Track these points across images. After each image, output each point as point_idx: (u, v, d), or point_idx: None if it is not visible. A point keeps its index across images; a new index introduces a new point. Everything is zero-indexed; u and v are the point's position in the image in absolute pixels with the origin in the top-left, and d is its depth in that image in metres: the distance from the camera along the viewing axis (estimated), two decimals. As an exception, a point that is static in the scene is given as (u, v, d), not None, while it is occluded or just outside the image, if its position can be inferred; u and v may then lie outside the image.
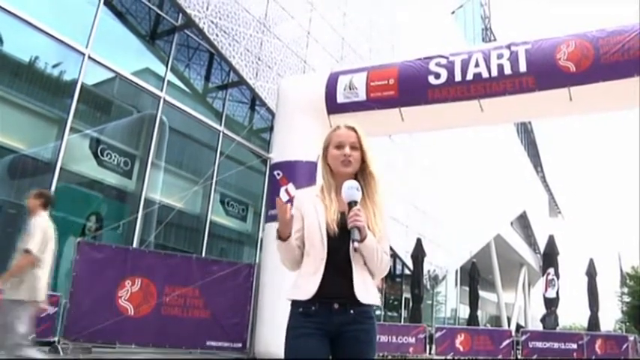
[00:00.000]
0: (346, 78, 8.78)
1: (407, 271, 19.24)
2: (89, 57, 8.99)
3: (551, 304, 15.65)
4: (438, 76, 8.10)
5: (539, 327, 17.25)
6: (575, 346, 13.05)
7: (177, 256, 8.94)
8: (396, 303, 21.33)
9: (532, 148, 45.38)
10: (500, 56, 7.84)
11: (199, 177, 11.00)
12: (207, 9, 10.67)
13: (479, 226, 26.41)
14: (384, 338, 12.67)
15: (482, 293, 24.38)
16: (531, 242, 42.45)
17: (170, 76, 10.86)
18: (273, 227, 8.49)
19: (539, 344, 13.15)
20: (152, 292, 8.22)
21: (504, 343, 13.18)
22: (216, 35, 10.90)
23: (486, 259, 30.35)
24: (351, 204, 2.05)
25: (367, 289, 2.08)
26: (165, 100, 10.53)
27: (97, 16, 9.21)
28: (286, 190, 8.59)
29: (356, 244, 1.98)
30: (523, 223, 40.06)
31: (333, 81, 8.86)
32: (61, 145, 8.47)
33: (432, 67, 8.19)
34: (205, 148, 11.92)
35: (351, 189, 2.08)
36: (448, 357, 13.01)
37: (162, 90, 10.53)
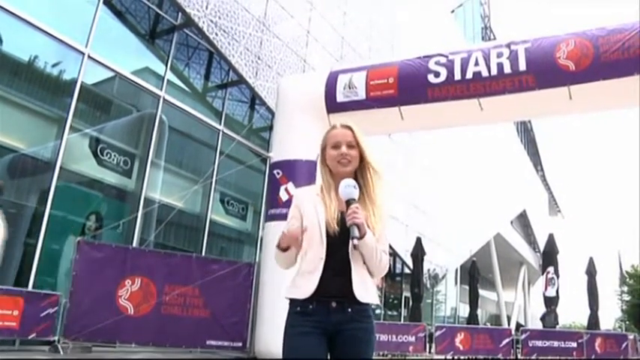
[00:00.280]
0: (346, 77, 8.78)
1: (407, 270, 19.24)
2: (89, 56, 8.98)
3: (550, 302, 15.66)
4: (437, 74, 8.10)
5: (539, 326, 17.26)
6: (574, 344, 13.07)
7: (177, 256, 8.94)
8: (395, 302, 21.33)
9: (532, 147, 45.39)
10: (499, 55, 7.84)
11: (199, 176, 11.00)
12: (206, 8, 10.66)
13: (479, 224, 26.41)
14: (383, 337, 12.67)
15: (482, 292, 24.37)
16: (531, 241, 42.46)
17: (170, 75, 10.85)
18: (273, 226, 8.56)
19: (539, 343, 13.15)
20: (152, 291, 8.22)
21: (504, 342, 13.18)
22: (216, 34, 10.89)
23: (486, 257, 30.35)
24: (349, 202, 2.05)
25: (366, 288, 2.07)
26: (164, 100, 10.52)
27: (96, 16, 9.20)
28: (286, 189, 8.59)
29: (355, 242, 1.97)
30: (523, 221, 40.07)
31: (333, 80, 8.85)
32: (60, 144, 8.46)
33: (432, 65, 8.19)
34: (205, 147, 11.91)
35: (348, 187, 2.07)
36: (448, 356, 13.02)
37: (161, 89, 10.53)
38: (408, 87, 8.28)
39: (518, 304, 40.43)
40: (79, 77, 8.84)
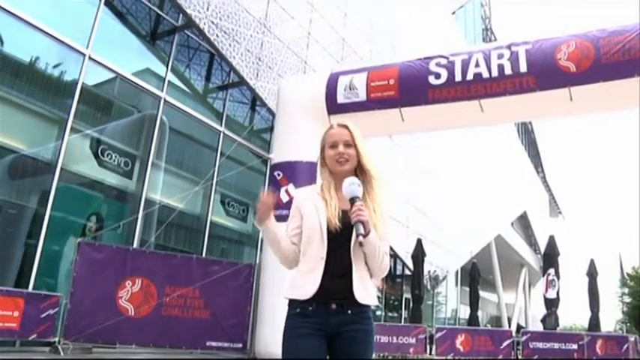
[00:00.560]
0: (346, 78, 8.78)
1: (407, 272, 19.21)
2: (90, 57, 8.99)
3: (551, 304, 15.63)
4: (438, 76, 8.10)
5: (540, 327, 17.23)
6: (575, 346, 13.04)
7: (177, 257, 8.94)
8: (396, 303, 21.31)
9: (532, 149, 45.38)
10: (500, 56, 7.84)
11: (200, 177, 11.00)
12: (207, 9, 10.67)
13: (479, 226, 26.40)
14: (384, 339, 12.66)
15: (482, 294, 24.39)
16: (532, 242, 42.43)
17: (170, 77, 10.86)
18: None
19: (539, 345, 13.13)
20: (152, 292, 8.22)
21: (505, 344, 13.17)
22: (217, 36, 10.90)
23: (487, 259, 30.33)
24: (353, 200, 2.05)
25: (366, 289, 2.07)
26: (165, 101, 10.52)
27: (97, 17, 9.21)
28: (286, 191, 8.59)
29: (361, 239, 1.97)
30: (524, 223, 40.04)
31: (334, 81, 8.86)
32: (61, 145, 8.46)
33: (433, 67, 8.19)
34: (206, 149, 11.92)
35: (352, 185, 2.08)
36: (448, 357, 13.00)
37: (162, 90, 10.53)
38: (409, 88, 8.27)
39: (519, 306, 40.38)
40: (79, 78, 8.85)
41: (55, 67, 8.84)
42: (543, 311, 16.17)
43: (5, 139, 8.00)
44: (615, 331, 26.65)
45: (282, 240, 2.16)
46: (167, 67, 10.82)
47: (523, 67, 7.61)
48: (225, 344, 8.67)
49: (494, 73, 7.78)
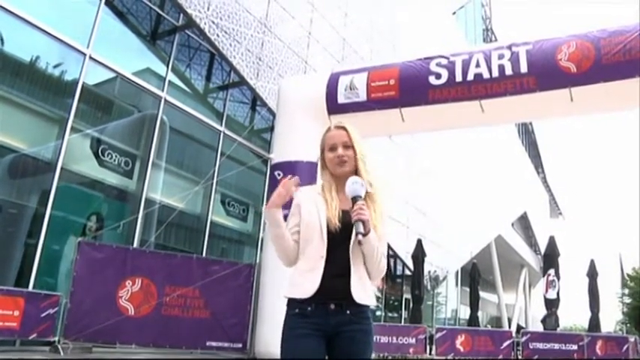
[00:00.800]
0: (347, 78, 8.78)
1: (407, 272, 19.21)
2: (90, 57, 8.99)
3: (551, 305, 15.62)
4: (438, 76, 8.09)
5: (540, 328, 17.22)
6: (575, 347, 13.04)
7: (177, 256, 8.94)
8: (396, 304, 21.30)
9: (533, 149, 45.37)
10: (501, 57, 7.84)
11: (200, 177, 11.00)
12: (208, 9, 10.67)
13: (479, 226, 26.40)
14: (384, 339, 12.66)
15: (482, 294, 24.38)
16: (532, 243, 42.42)
17: (171, 76, 10.86)
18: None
19: (539, 345, 13.13)
20: (152, 292, 8.22)
21: (505, 344, 13.17)
22: (217, 35, 10.90)
23: (487, 259, 30.32)
24: (355, 199, 2.05)
25: (364, 289, 2.07)
26: (166, 100, 10.53)
27: (97, 16, 9.21)
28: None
29: (360, 237, 1.97)
30: (524, 223, 40.03)
31: (334, 81, 8.86)
32: (61, 144, 8.47)
33: (433, 67, 8.19)
34: (206, 149, 11.92)
35: (355, 184, 2.08)
36: (448, 358, 13.00)
37: (163, 90, 10.54)
38: (409, 88, 8.27)
39: (519, 307, 40.37)
40: (80, 78, 8.85)
41: (55, 66, 8.85)
42: (543, 312, 16.16)
43: (6, 138, 8.01)
44: (615, 332, 26.63)
45: (286, 234, 2.15)
46: (167, 66, 10.82)
47: (524, 68, 7.61)
48: (225, 344, 8.67)
49: (495, 73, 7.78)
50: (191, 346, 8.51)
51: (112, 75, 9.68)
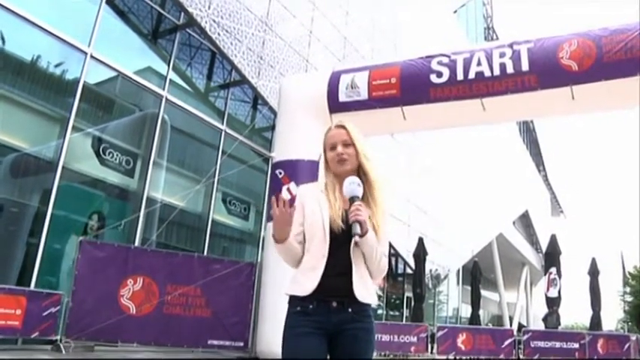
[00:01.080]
0: (348, 77, 8.77)
1: (409, 270, 19.22)
2: (91, 56, 8.99)
3: (553, 303, 15.63)
4: (440, 74, 8.08)
5: (541, 326, 17.23)
6: (577, 345, 13.04)
7: (179, 255, 8.94)
8: (397, 302, 21.31)
9: (534, 147, 45.34)
10: (502, 55, 7.83)
11: (201, 176, 11.00)
12: (209, 8, 10.67)
13: (481, 225, 26.39)
14: (385, 337, 12.67)
15: (484, 292, 24.37)
16: (533, 241, 42.40)
17: (172, 75, 10.87)
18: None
19: (541, 344, 13.13)
20: (154, 290, 8.22)
21: (506, 343, 13.17)
22: (218, 34, 10.90)
23: (488, 258, 30.31)
24: (353, 199, 2.05)
25: (366, 288, 2.07)
26: (167, 99, 10.53)
27: (99, 15, 9.21)
28: (288, 189, 8.59)
29: (357, 238, 1.97)
30: (525, 222, 40.02)
31: (335, 80, 8.85)
32: (63, 143, 8.47)
33: (434, 65, 8.18)
34: (207, 147, 11.92)
35: (352, 184, 2.08)
36: (450, 356, 13.00)
37: (164, 89, 10.54)
38: (411, 87, 8.26)
39: (521, 305, 40.36)
40: (81, 77, 8.85)
41: (56, 65, 8.85)
42: (545, 310, 16.17)
43: (7, 137, 8.01)
44: (617, 330, 26.61)
45: (297, 246, 2.12)
46: (169, 65, 10.82)
47: (525, 66, 7.60)
48: (227, 343, 8.67)
49: (496, 71, 7.77)
50: (192, 345, 8.52)
51: (113, 74, 9.68)
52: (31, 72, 8.55)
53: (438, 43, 14.45)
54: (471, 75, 7.90)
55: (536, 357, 12.88)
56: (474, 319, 18.15)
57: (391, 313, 20.65)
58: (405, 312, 20.77)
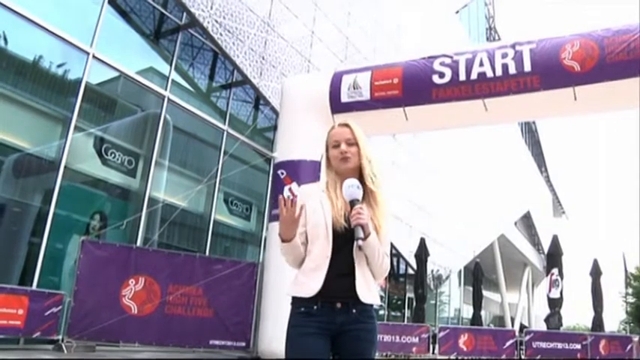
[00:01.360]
0: (350, 77, 8.77)
1: (410, 271, 19.23)
2: (93, 56, 9.00)
3: (555, 304, 15.62)
4: (442, 75, 8.08)
5: (543, 327, 17.22)
6: (579, 346, 13.04)
7: (180, 255, 8.94)
8: (399, 303, 21.31)
9: (536, 148, 45.27)
10: (504, 56, 7.82)
11: (203, 176, 11.00)
12: (211, 8, 10.67)
13: (483, 226, 26.37)
14: (387, 338, 12.66)
15: (485, 293, 24.34)
16: (535, 242, 42.35)
17: (174, 75, 10.87)
18: (276, 226, 8.51)
19: (542, 344, 13.13)
20: (156, 290, 8.23)
21: (508, 343, 13.17)
22: (221, 34, 10.90)
23: (490, 259, 30.30)
24: (353, 202, 2.04)
25: (369, 289, 2.07)
26: (169, 99, 10.53)
27: (101, 16, 9.22)
28: (290, 190, 8.59)
29: (360, 242, 1.97)
30: (527, 223, 39.98)
31: (337, 80, 8.85)
32: (65, 143, 8.48)
33: (437, 66, 8.17)
34: (209, 147, 11.93)
35: (351, 187, 2.07)
36: (451, 357, 13.00)
37: (166, 89, 10.54)
38: (413, 88, 8.26)
39: (522, 306, 40.34)
40: (83, 77, 8.86)
41: (58, 65, 8.86)
42: (547, 311, 16.16)
43: (9, 137, 8.03)
44: (619, 332, 26.60)
45: (301, 247, 2.12)
46: (171, 65, 10.83)
47: (527, 67, 7.59)
48: (229, 343, 8.68)
49: (499, 72, 7.76)
50: (194, 345, 8.52)
51: (115, 74, 9.69)
52: (33, 72, 8.56)
53: (440, 44, 14.44)
54: (473, 76, 7.89)
55: (537, 358, 12.88)
56: (476, 319, 18.16)
57: (393, 313, 20.64)
58: (407, 312, 20.76)
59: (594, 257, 17.04)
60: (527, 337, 13.32)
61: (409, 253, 18.27)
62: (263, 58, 12.06)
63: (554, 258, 16.40)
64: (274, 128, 12.67)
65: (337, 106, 8.70)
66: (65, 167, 8.44)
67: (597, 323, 15.92)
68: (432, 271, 20.93)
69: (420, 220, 20.17)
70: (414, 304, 16.54)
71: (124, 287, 8.01)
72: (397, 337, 12.87)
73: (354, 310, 2.04)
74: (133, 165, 9.94)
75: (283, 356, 2.09)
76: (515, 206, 34.24)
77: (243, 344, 8.75)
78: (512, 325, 33.05)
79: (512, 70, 7.68)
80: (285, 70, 12.65)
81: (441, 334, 13.21)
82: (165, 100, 10.47)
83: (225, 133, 11.87)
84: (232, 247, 12.88)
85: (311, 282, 2.04)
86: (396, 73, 8.45)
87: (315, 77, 10.70)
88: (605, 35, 7.31)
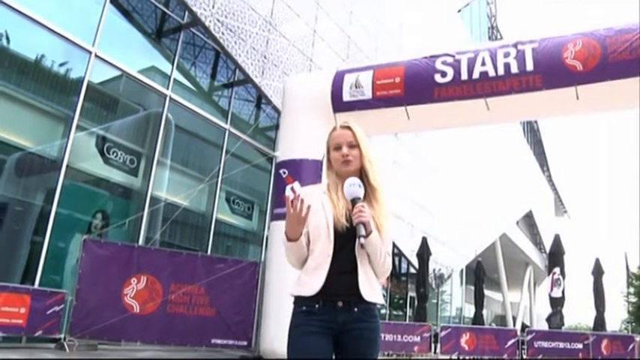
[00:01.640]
0: (352, 76, 8.76)
1: (412, 270, 19.22)
2: (95, 55, 9.00)
3: (556, 303, 15.60)
4: (444, 74, 8.07)
5: (545, 326, 17.20)
6: (580, 346, 13.02)
7: (182, 254, 8.95)
8: (401, 302, 21.31)
9: (538, 147, 45.23)
10: (506, 55, 7.81)
11: (205, 175, 11.00)
12: (213, 7, 10.68)
13: (484, 225, 26.35)
14: (389, 337, 12.66)
15: (487, 292, 24.35)
16: (537, 241, 42.34)
17: (176, 74, 10.87)
18: (278, 225, 8.54)
19: (544, 344, 13.12)
20: (157, 289, 8.24)
21: (509, 343, 13.16)
22: (222, 33, 10.90)
23: (492, 258, 30.29)
24: (355, 201, 2.04)
25: (372, 287, 2.07)
26: (171, 98, 10.54)
27: (103, 15, 9.22)
28: (292, 189, 8.56)
29: (362, 240, 1.96)
30: (529, 222, 39.96)
31: (339, 79, 8.84)
32: (67, 142, 8.49)
33: (439, 65, 8.17)
34: (211, 146, 11.93)
35: (352, 186, 2.07)
36: (453, 356, 12.99)
37: (168, 88, 10.55)
38: (415, 87, 8.25)
39: (524, 305, 40.33)
40: (85, 76, 8.87)
41: (61, 64, 8.87)
42: (548, 310, 16.14)
43: (11, 136, 8.04)
44: (621, 331, 26.57)
45: (306, 250, 2.12)
46: (173, 64, 10.83)
47: (529, 66, 7.58)
48: (230, 342, 8.69)
49: (501, 71, 7.75)
50: (196, 344, 8.53)
51: (117, 73, 9.70)
52: (35, 71, 8.57)
53: (442, 43, 14.44)
54: (476, 75, 7.88)
55: (539, 357, 12.87)
56: (478, 319, 18.15)
57: (394, 312, 20.66)
58: (409, 312, 20.77)
59: (596, 256, 17.05)
60: (529, 337, 13.31)
61: (411, 252, 18.27)
62: (265, 57, 12.06)
63: (555, 257, 16.38)
64: (276, 127, 12.67)
65: (339, 105, 8.69)
66: (67, 166, 8.45)
67: (599, 323, 15.91)
68: (434, 270, 20.93)
69: (422, 219, 20.16)
70: (416, 303, 16.54)
71: (126, 286, 8.02)
72: (399, 336, 12.86)
73: (355, 309, 2.04)
74: (135, 164, 9.94)
75: (285, 355, 2.09)
76: (517, 205, 34.20)
77: (245, 343, 8.76)
78: (514, 325, 33.04)
79: (514, 69, 7.67)
80: (287, 69, 12.64)
81: (443, 333, 13.20)
82: (167, 99, 10.48)
83: (227, 132, 11.87)
84: (234, 246, 12.89)
85: (313, 280, 2.04)
86: (398, 72, 8.45)
87: (317, 76, 10.69)
88: (608, 34, 7.30)
